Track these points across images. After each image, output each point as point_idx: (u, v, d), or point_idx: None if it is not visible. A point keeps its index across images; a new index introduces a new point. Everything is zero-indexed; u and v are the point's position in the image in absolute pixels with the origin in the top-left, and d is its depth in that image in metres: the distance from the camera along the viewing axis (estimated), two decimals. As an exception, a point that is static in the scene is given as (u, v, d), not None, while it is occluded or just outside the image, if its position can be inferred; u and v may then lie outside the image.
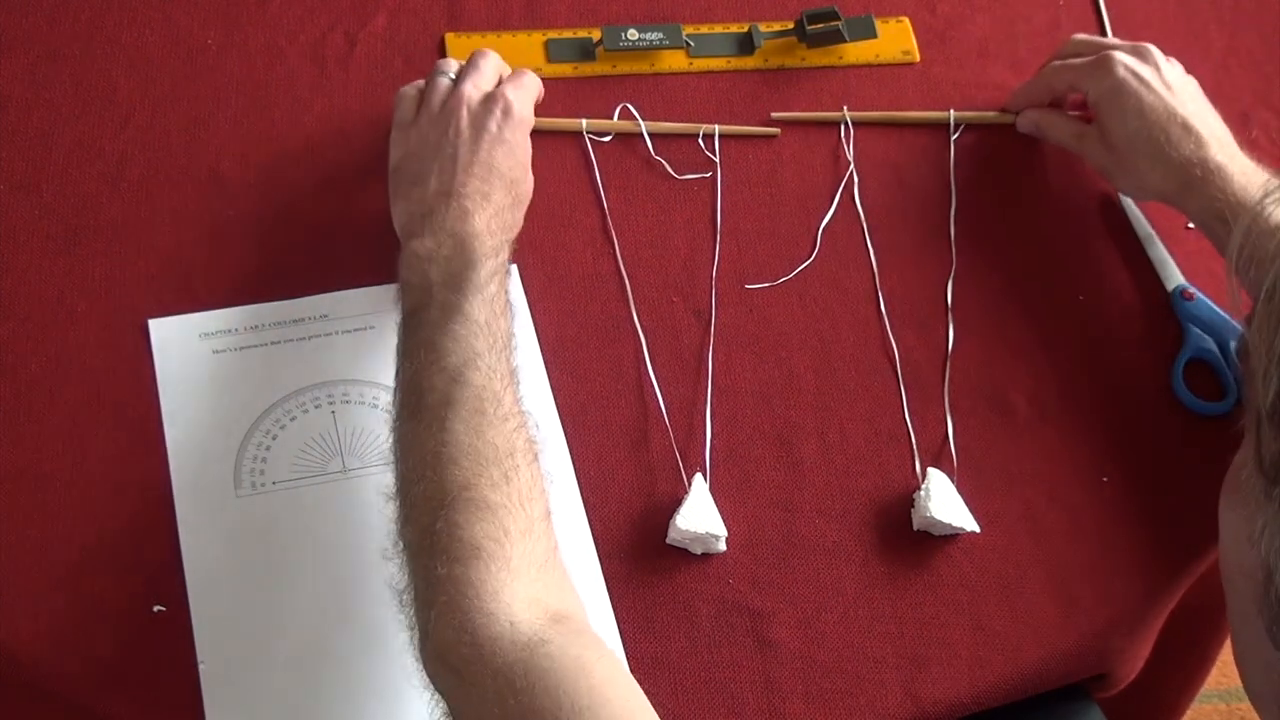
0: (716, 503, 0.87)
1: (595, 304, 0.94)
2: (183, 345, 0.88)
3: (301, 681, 0.79)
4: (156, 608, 0.80)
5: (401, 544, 0.76)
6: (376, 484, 0.84)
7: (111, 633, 0.79)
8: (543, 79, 0.99)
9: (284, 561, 0.82)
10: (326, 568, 0.82)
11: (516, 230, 0.89)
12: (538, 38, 1.04)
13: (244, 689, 0.78)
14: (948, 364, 0.96)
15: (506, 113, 0.90)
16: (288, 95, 0.99)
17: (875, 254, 0.99)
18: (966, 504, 0.89)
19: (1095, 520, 0.92)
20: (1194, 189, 0.93)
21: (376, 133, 0.97)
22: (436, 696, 0.71)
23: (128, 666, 0.78)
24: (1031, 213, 1.04)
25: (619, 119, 1.01)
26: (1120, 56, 0.97)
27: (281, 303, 0.91)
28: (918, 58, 1.09)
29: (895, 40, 1.09)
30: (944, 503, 0.88)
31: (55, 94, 0.96)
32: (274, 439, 0.86)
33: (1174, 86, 0.97)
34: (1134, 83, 0.96)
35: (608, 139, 1.00)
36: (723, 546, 0.86)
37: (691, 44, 1.06)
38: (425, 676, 0.72)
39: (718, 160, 1.01)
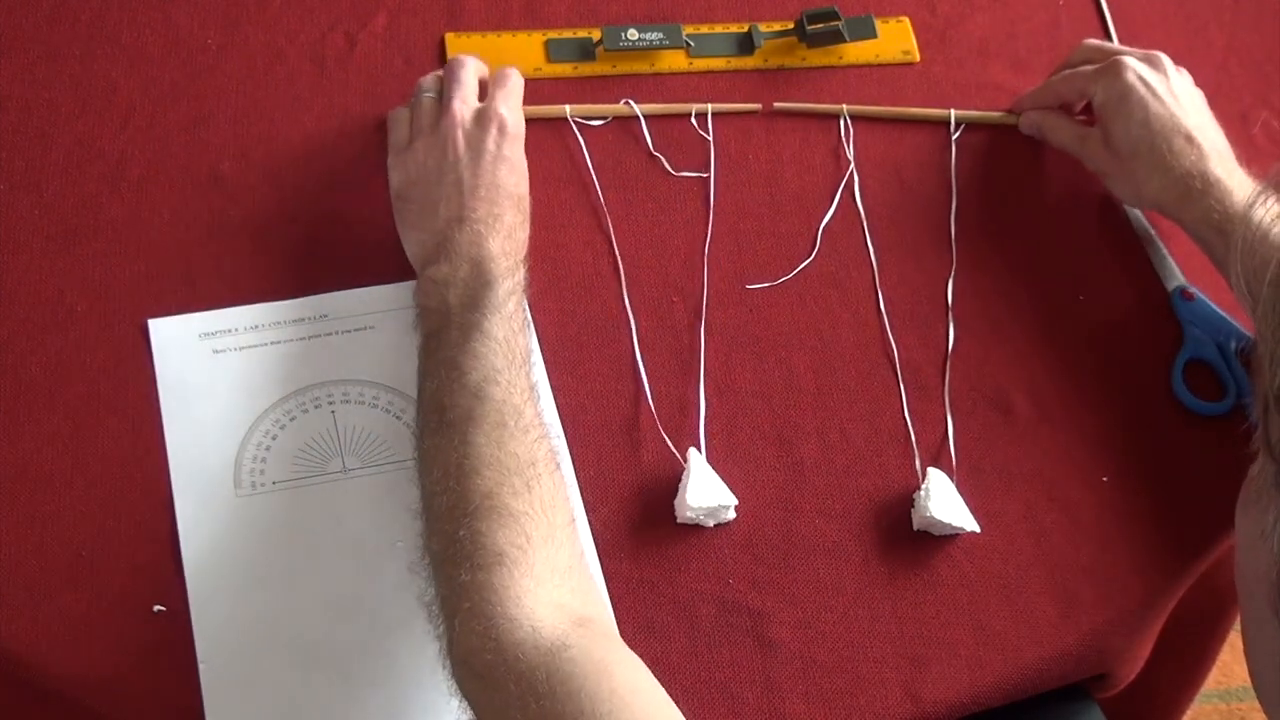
0: (716, 502, 0.87)
1: (595, 304, 0.95)
2: (183, 345, 0.88)
3: (301, 681, 0.79)
4: (156, 608, 0.80)
5: (428, 556, 0.77)
6: (376, 484, 0.85)
7: (111, 633, 0.79)
8: (543, 79, 0.99)
9: (284, 561, 0.82)
10: (326, 567, 0.82)
11: (526, 245, 0.90)
12: (538, 38, 1.04)
13: (244, 689, 0.78)
14: (948, 364, 0.96)
15: (502, 130, 0.90)
16: (288, 95, 0.99)
17: (875, 253, 0.99)
18: (966, 504, 0.89)
19: (1095, 520, 0.92)
20: (1192, 200, 0.94)
21: (376, 133, 0.97)
22: (463, 702, 0.72)
23: (128, 666, 0.78)
24: (1031, 213, 1.04)
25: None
26: (1131, 62, 0.97)
27: (281, 303, 0.91)
28: (918, 58, 1.09)
29: (895, 40, 1.09)
30: (944, 502, 0.88)
31: (55, 94, 0.96)
32: (274, 439, 0.86)
33: (1180, 97, 0.97)
34: (1142, 89, 0.96)
35: (597, 123, 1.00)
36: (733, 514, 0.87)
37: (691, 44, 1.06)
38: (452, 682, 0.72)
39: (710, 138, 1.01)
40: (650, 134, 1.01)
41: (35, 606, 0.79)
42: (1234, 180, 0.93)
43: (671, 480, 0.88)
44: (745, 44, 1.07)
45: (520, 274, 0.87)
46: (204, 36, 1.00)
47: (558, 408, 0.90)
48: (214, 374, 0.87)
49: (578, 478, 0.88)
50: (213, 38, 1.00)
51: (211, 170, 0.95)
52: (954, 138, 1.05)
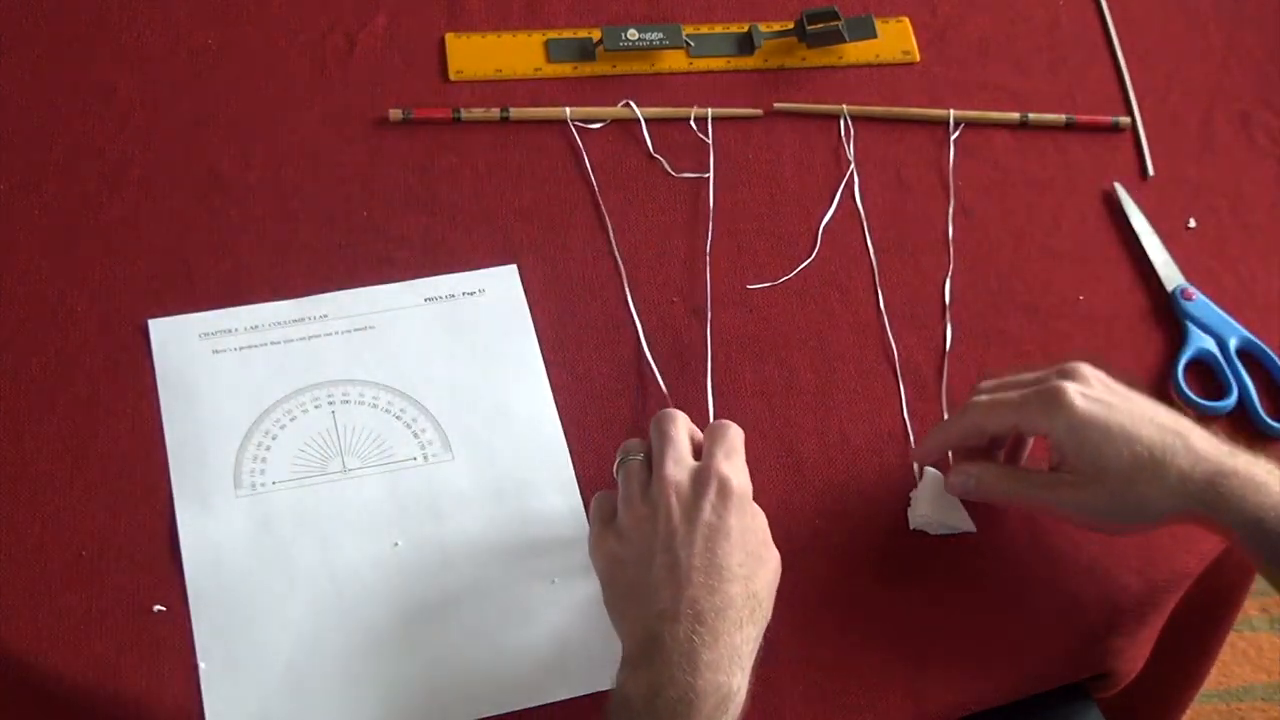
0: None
1: (595, 304, 0.95)
2: (183, 345, 0.88)
3: (301, 681, 0.79)
4: (156, 608, 0.80)
5: None
6: (376, 484, 0.85)
7: (111, 633, 0.79)
8: (543, 79, 0.99)
9: (284, 561, 0.82)
10: (326, 567, 0.82)
11: (758, 647, 0.75)
12: (538, 38, 1.04)
13: (244, 689, 0.78)
14: (946, 364, 0.96)
15: (723, 493, 0.76)
16: (288, 95, 0.99)
17: (875, 253, 0.99)
18: (965, 504, 0.89)
19: (1095, 520, 0.92)
20: (1213, 488, 0.80)
21: (377, 133, 0.97)
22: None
23: (128, 666, 0.78)
24: (1031, 212, 1.04)
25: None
26: (1066, 385, 0.83)
27: (281, 303, 0.91)
28: (918, 58, 1.09)
29: (895, 40, 1.09)
30: (938, 502, 0.88)
31: (55, 94, 0.96)
32: (274, 439, 0.86)
33: (1121, 394, 0.84)
34: (1098, 409, 0.82)
35: (596, 126, 1.00)
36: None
37: (691, 44, 1.06)
38: None
39: (710, 141, 1.01)
40: (650, 135, 1.01)
41: (35, 606, 0.79)
42: (1220, 441, 0.82)
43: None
44: (745, 44, 1.07)
45: (742, 692, 0.72)
46: (204, 36, 1.00)
47: (558, 408, 0.90)
48: (214, 374, 0.87)
49: (578, 478, 0.88)
50: (213, 38, 1.00)
51: (211, 170, 0.95)
52: (953, 138, 1.05)
